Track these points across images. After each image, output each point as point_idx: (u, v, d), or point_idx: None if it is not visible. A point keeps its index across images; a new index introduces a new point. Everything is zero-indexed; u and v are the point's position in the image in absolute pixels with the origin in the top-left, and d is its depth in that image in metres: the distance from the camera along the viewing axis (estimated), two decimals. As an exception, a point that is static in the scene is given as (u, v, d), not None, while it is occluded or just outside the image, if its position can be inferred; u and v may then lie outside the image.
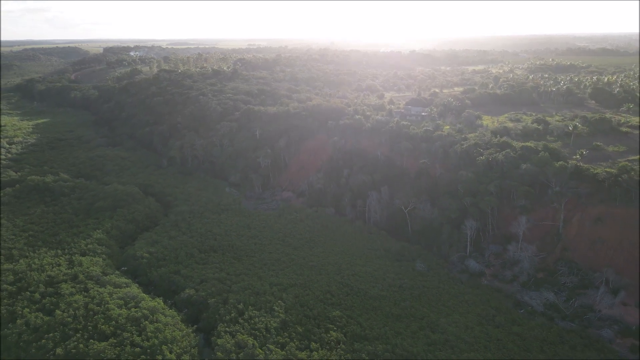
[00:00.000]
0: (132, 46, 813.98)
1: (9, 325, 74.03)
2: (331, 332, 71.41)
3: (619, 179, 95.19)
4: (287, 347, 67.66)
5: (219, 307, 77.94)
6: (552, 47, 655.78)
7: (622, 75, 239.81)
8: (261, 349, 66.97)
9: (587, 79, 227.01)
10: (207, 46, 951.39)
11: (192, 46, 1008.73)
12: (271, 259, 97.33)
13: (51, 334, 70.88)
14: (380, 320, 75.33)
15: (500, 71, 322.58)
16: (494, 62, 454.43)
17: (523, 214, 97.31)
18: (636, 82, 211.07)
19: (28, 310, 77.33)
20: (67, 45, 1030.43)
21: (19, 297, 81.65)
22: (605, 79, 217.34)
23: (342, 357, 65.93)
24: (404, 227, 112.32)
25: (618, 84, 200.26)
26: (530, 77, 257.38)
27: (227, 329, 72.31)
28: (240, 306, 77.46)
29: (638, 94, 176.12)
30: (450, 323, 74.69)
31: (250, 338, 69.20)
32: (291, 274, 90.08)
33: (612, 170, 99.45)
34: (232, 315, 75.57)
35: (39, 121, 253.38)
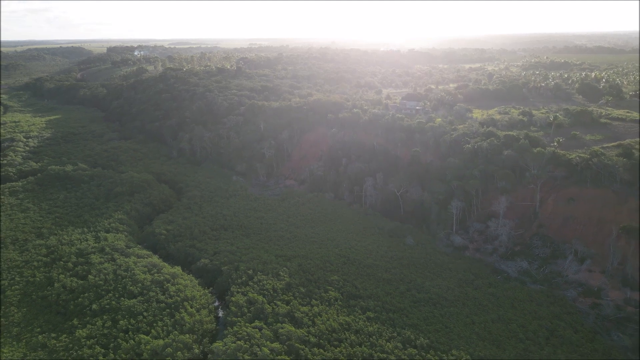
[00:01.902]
0: (135, 46, 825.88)
1: (48, 287, 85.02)
2: (330, 292, 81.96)
3: (590, 162, 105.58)
4: (291, 303, 78.29)
5: (231, 273, 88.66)
6: (550, 46, 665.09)
7: (611, 71, 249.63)
8: (269, 305, 77.61)
9: (576, 75, 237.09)
10: (208, 46, 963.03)
11: (194, 46, 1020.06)
12: (276, 235, 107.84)
13: (86, 294, 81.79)
14: (372, 283, 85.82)
15: (496, 69, 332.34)
16: (491, 60, 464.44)
17: (503, 195, 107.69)
18: (622, 77, 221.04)
19: (63, 276, 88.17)
20: (69, 45, 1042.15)
21: (53, 265, 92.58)
22: (593, 75, 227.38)
23: (339, 311, 76.50)
24: (396, 209, 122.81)
25: (604, 80, 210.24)
26: (523, 73, 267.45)
27: (239, 290, 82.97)
28: (250, 272, 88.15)
29: (638, 89, 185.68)
30: (434, 285, 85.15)
31: (259, 296, 79.88)
32: (294, 248, 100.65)
33: (585, 155, 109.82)
34: (243, 279, 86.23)
35: (51, 117, 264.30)
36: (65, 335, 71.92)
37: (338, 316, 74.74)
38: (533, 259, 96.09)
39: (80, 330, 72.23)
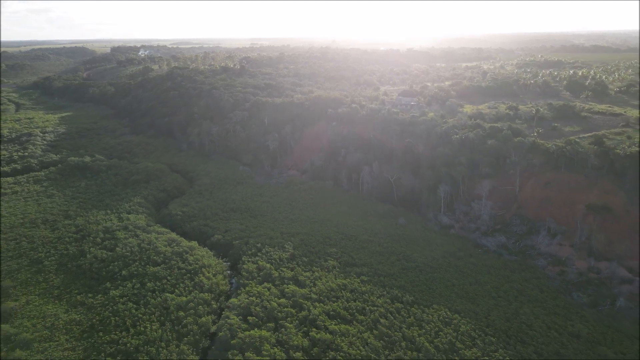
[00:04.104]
0: (138, 46, 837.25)
1: (81, 258, 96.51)
2: (329, 261, 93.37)
3: (564, 150, 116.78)
4: (295, 270, 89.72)
5: (242, 246, 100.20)
6: (548, 45, 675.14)
7: (600, 69, 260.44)
8: (276, 271, 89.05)
9: (565, 73, 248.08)
10: (210, 45, 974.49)
11: (196, 45, 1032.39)
12: (281, 217, 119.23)
13: (115, 263, 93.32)
14: (367, 254, 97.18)
15: (491, 67, 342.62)
16: (488, 58, 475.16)
17: (486, 179, 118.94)
18: (609, 75, 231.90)
19: (93, 249, 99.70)
20: (72, 45, 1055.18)
21: (83, 241, 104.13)
22: (580, 73, 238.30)
23: (337, 275, 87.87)
24: (390, 194, 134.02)
25: (590, 77, 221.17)
26: (516, 71, 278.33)
27: (249, 259, 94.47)
28: (259, 245, 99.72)
29: (637, 87, 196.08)
30: (421, 256, 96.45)
31: (267, 264, 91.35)
32: (297, 226, 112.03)
33: (560, 144, 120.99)
34: (253, 251, 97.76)
35: (63, 114, 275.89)
36: (100, 295, 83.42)
37: (336, 279, 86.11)
38: (511, 235, 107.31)
39: (114, 291, 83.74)
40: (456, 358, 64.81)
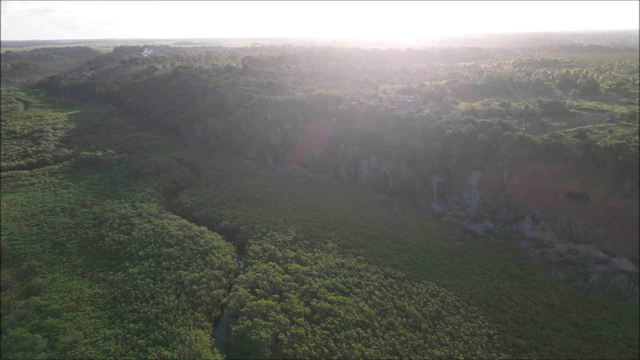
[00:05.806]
0: (141, 46, 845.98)
1: (100, 241, 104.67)
2: (328, 243, 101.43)
3: (549, 142, 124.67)
4: (297, 251, 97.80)
5: (248, 230, 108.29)
6: (547, 44, 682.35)
7: (592, 68, 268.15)
8: (280, 251, 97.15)
9: (557, 71, 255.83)
10: (212, 45, 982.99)
11: (197, 45, 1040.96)
12: (284, 206, 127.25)
13: (132, 245, 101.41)
14: (363, 238, 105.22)
15: (488, 66, 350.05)
16: (487, 58, 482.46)
17: (476, 171, 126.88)
18: (600, 74, 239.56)
19: (111, 233, 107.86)
20: (74, 45, 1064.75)
21: (101, 226, 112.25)
22: (572, 72, 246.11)
23: (336, 255, 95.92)
24: (387, 186, 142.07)
25: (581, 76, 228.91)
26: (511, 70, 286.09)
27: (255, 242, 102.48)
28: (264, 229, 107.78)
29: (638, 87, 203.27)
30: (413, 240, 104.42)
31: (272, 246, 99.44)
32: (299, 214, 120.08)
33: (546, 137, 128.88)
34: (258, 235, 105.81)
35: (72, 112, 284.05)
36: (120, 273, 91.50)
37: (335, 259, 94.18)
38: (498, 222, 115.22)
39: (132, 269, 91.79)
40: (441, 323, 72.83)
